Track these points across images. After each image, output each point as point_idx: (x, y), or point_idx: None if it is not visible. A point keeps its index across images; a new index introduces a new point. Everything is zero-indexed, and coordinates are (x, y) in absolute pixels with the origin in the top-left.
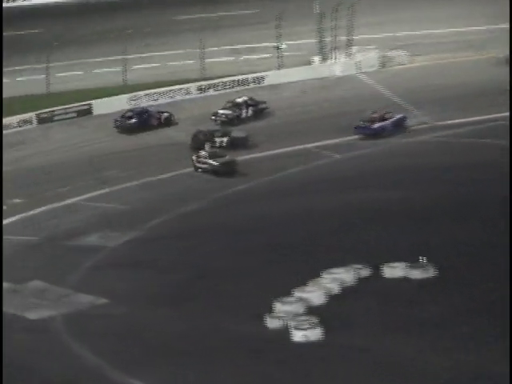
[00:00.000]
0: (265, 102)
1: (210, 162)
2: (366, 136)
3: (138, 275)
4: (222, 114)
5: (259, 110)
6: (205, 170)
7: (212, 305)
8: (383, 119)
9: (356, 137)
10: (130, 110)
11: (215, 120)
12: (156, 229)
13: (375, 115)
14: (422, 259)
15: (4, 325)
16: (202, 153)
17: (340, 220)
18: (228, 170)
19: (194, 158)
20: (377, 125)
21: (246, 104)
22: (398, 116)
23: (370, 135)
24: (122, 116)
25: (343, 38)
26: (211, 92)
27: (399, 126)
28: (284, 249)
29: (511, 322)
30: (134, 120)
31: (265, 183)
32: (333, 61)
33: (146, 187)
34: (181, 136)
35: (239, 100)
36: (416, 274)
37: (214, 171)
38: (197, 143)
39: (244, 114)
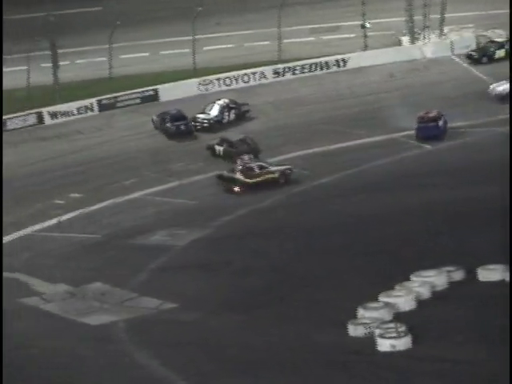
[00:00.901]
0: (247, 104)
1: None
2: (430, 138)
3: (209, 278)
4: (203, 118)
5: (241, 113)
6: (259, 183)
7: (289, 312)
8: (440, 118)
9: (452, 125)
10: (166, 113)
11: (195, 126)
12: (227, 226)
13: (432, 114)
14: None
15: (61, 331)
16: (251, 165)
17: (429, 218)
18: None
19: (239, 175)
20: (441, 123)
21: (228, 107)
22: (443, 114)
23: (437, 136)
24: (171, 120)
25: (435, 15)
26: (289, 76)
27: (446, 126)
28: (367, 249)
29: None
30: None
31: (347, 177)
32: (424, 41)
33: (216, 181)
34: (254, 125)
35: (220, 102)
36: None
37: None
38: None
39: (226, 118)
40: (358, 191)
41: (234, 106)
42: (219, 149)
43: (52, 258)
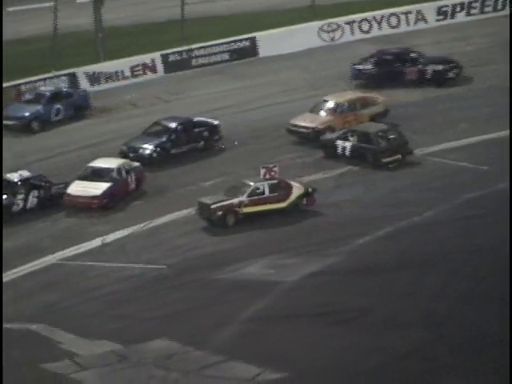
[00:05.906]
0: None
1: None
2: None
3: (333, 336)
4: None
5: (53, 196)
6: None
7: None
8: None
9: None
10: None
11: None
12: (365, 252)
13: None
14: None
15: None
16: None
17: None
18: None
19: None
20: None
21: (30, 185)
22: None
23: None
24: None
25: None
26: (462, 17)
27: None
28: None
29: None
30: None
31: None
32: None
33: None
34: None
35: (13, 176)
36: None
37: None
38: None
39: (20, 204)
40: None
41: (38, 183)
42: (344, 145)
43: None
